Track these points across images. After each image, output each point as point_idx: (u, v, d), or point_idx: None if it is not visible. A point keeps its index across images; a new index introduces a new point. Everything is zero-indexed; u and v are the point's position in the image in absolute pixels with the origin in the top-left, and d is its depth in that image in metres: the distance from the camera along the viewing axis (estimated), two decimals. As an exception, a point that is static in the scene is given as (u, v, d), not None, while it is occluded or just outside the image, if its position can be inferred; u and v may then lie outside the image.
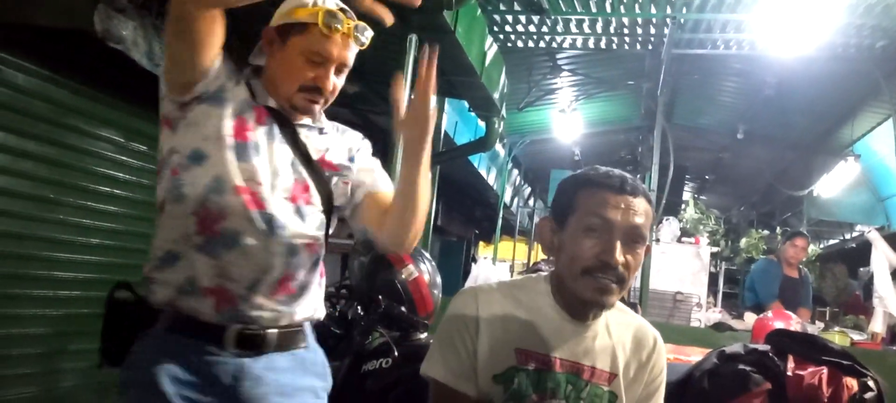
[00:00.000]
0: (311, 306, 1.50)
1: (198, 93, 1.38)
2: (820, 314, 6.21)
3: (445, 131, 6.24)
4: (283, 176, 1.43)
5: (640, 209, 1.32)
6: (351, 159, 1.55)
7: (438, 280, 2.32)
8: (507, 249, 13.07)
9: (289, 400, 1.43)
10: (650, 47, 5.90)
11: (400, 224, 1.48)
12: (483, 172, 8.94)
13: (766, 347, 2.08)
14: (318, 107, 1.49)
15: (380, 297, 2.13)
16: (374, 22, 1.33)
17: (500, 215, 9.94)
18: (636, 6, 5.07)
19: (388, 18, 1.29)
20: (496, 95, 4.98)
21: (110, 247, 3.35)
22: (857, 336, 4.72)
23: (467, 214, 12.33)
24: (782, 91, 6.49)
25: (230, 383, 1.37)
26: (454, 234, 12.36)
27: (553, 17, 5.24)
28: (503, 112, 5.42)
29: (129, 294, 1.45)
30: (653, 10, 5.14)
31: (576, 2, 5.00)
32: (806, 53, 5.32)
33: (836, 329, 4.93)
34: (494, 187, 9.65)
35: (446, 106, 6.11)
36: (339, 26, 1.42)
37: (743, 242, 8.32)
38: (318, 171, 1.48)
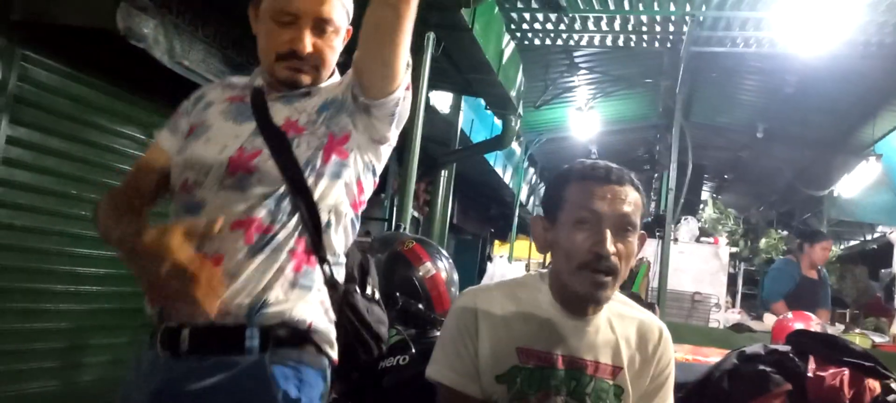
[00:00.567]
0: (253, 303, 1.24)
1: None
2: (840, 316, 6.15)
3: (461, 129, 6.25)
4: (228, 148, 1.31)
5: (628, 197, 1.31)
6: (323, 108, 1.36)
7: (455, 277, 2.32)
8: (523, 248, 13.04)
9: None
10: (668, 45, 5.85)
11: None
12: (499, 170, 8.92)
13: (787, 348, 2.06)
14: (304, 76, 1.37)
15: (397, 294, 2.14)
16: None
17: (516, 214, 9.91)
18: (655, 3, 5.04)
19: None
20: (513, 93, 4.98)
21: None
22: (878, 339, 4.65)
23: (483, 212, 12.32)
24: (802, 89, 6.42)
25: (156, 387, 1.25)
26: (470, 232, 12.35)
27: (570, 15, 5.22)
28: (520, 110, 5.43)
29: None
30: (672, 8, 5.10)
31: (593, -1, 4.98)
32: (827, 51, 5.25)
33: (857, 331, 4.87)
34: (510, 185, 9.63)
35: (462, 104, 6.13)
36: None
37: (762, 242, 8.26)
38: (277, 137, 1.31)
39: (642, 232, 1.36)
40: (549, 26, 5.53)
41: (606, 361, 1.37)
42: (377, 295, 1.55)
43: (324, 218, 1.32)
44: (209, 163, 1.30)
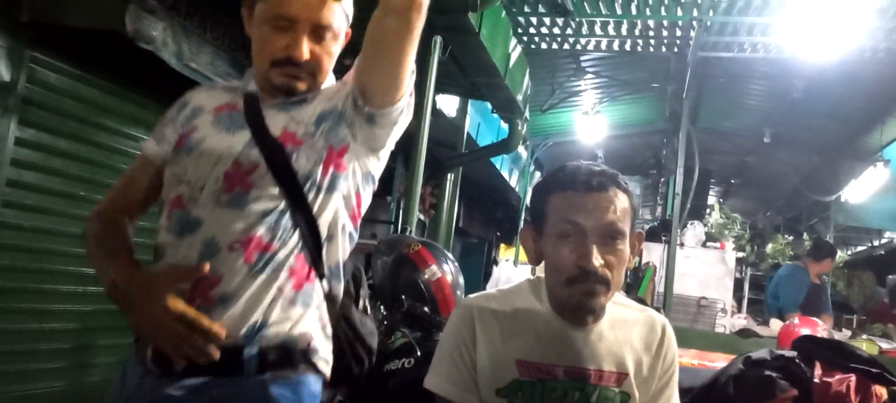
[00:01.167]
0: (253, 323, 1.21)
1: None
2: (847, 322, 6.12)
3: (468, 132, 6.26)
4: (223, 162, 1.25)
5: (613, 204, 1.25)
6: (321, 119, 1.30)
7: (461, 280, 2.32)
8: (529, 252, 13.00)
9: None
10: (675, 50, 5.84)
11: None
12: (505, 174, 8.92)
13: (793, 353, 2.06)
14: (300, 84, 1.31)
15: (403, 297, 2.14)
16: None
17: (522, 217, 9.91)
18: (662, 8, 5.03)
19: None
20: (519, 97, 4.98)
21: (138, 244, 3.40)
22: (885, 345, 4.62)
23: (489, 216, 12.31)
24: (810, 95, 6.39)
25: None
26: (475, 236, 12.34)
27: (577, 20, 5.22)
28: (526, 114, 5.43)
29: None
30: (679, 13, 5.09)
31: (600, 4, 4.97)
32: (834, 56, 5.23)
33: (864, 337, 4.85)
34: (516, 189, 9.63)
35: (469, 107, 6.13)
36: None
37: (769, 248, 8.23)
38: (275, 149, 1.26)
39: (639, 231, 1.33)
40: (556, 30, 5.53)
41: (610, 368, 1.33)
42: (369, 307, 1.53)
43: (323, 233, 1.29)
44: (203, 178, 1.25)
